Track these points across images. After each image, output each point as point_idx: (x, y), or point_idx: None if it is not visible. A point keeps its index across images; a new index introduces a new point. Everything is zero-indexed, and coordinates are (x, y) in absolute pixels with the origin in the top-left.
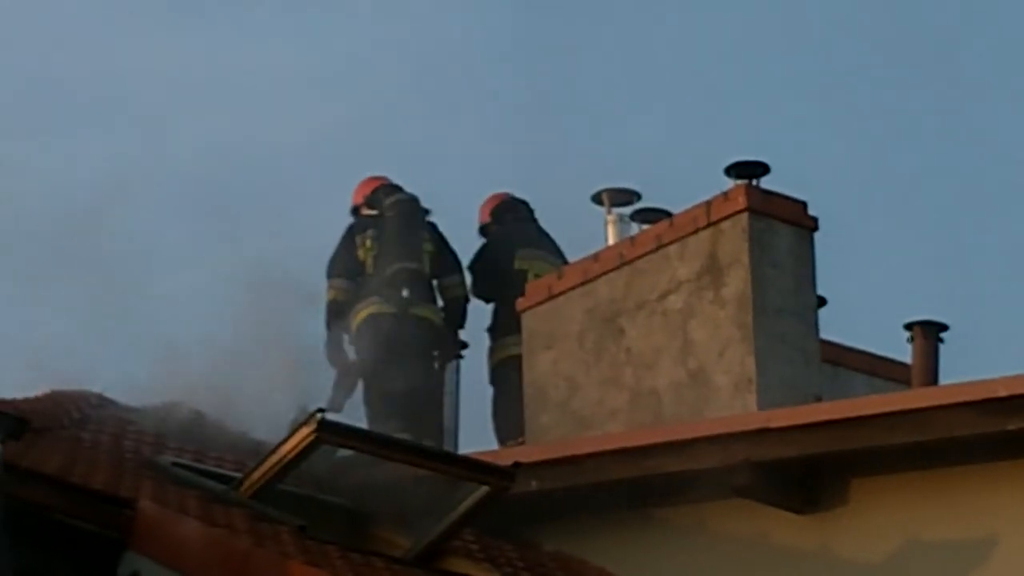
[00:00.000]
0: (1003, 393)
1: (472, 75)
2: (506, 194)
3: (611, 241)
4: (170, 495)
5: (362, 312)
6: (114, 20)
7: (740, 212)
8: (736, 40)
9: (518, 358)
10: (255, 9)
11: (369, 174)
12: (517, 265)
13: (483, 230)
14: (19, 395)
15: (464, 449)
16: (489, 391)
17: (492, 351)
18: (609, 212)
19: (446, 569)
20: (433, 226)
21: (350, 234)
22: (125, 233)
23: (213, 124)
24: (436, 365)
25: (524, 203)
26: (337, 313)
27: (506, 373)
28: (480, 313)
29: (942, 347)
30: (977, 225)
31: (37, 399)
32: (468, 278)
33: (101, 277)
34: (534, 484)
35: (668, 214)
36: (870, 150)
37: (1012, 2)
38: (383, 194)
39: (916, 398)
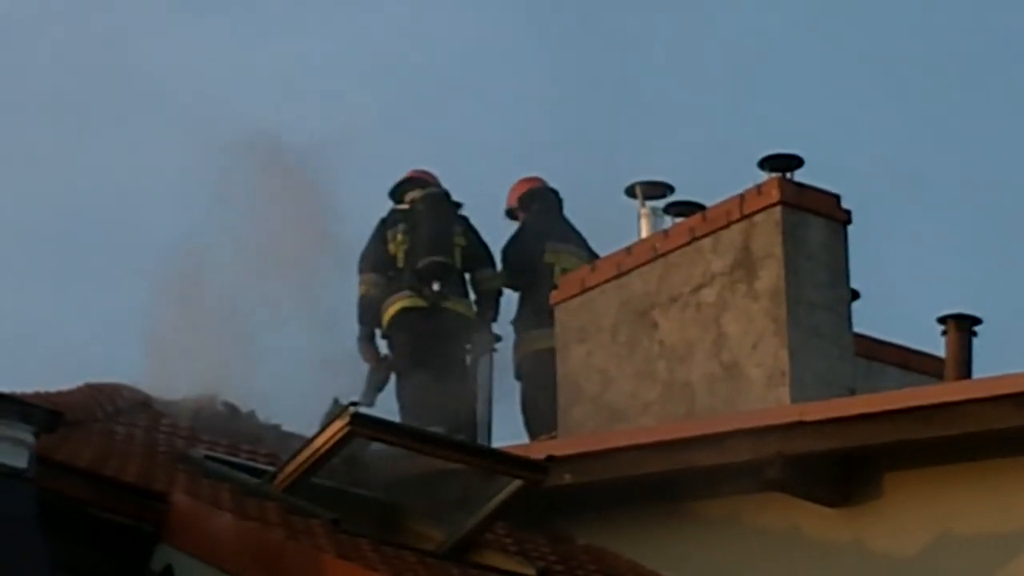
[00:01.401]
0: None
1: (506, 68)
2: (537, 180)
3: (644, 234)
4: (203, 488)
5: (393, 306)
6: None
7: (773, 205)
8: (771, 34)
9: (545, 351)
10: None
11: (412, 169)
12: (546, 259)
13: (509, 213)
14: (53, 389)
15: (497, 443)
16: (514, 384)
17: (518, 344)
18: (642, 205)
19: (479, 562)
20: (465, 220)
21: (381, 228)
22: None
23: (261, 113)
24: (469, 358)
25: (554, 192)
26: (368, 308)
27: (534, 366)
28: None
29: (976, 341)
30: (1012, 219)
31: (71, 392)
32: (500, 263)
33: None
34: (567, 478)
35: (701, 207)
36: (904, 143)
37: None
38: (414, 188)
39: (950, 392)
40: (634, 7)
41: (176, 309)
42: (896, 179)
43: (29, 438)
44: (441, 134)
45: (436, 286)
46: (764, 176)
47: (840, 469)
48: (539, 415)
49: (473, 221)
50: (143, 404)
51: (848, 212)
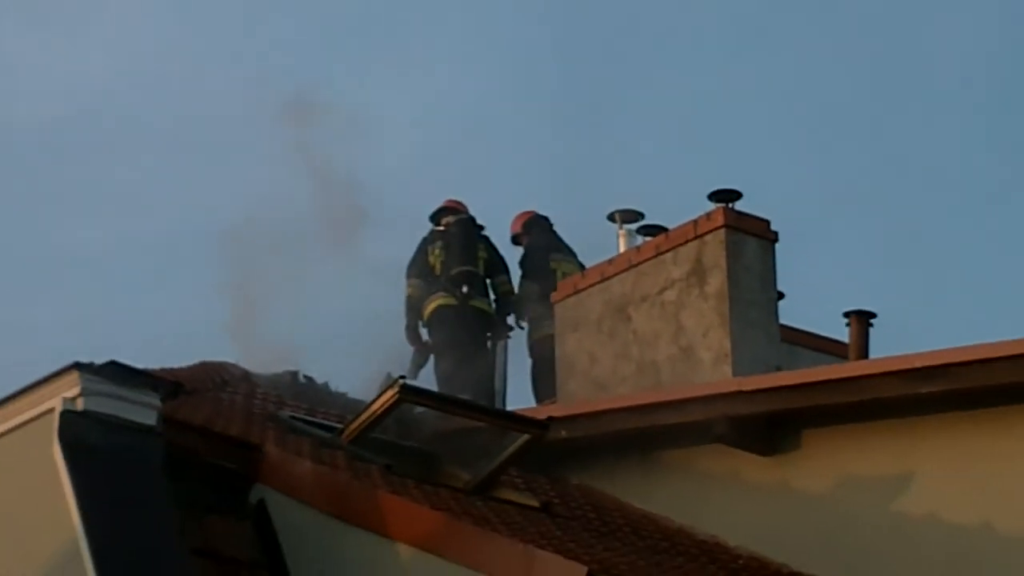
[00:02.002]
0: (918, 364)
1: (516, 123)
2: (531, 212)
3: (621, 249)
4: (288, 441)
5: (432, 304)
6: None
7: (719, 228)
8: (717, 94)
9: (549, 337)
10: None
11: (447, 199)
12: (551, 267)
13: (514, 239)
14: (175, 365)
15: (510, 407)
16: (527, 361)
17: (530, 332)
18: (620, 228)
19: (496, 497)
20: (486, 238)
21: (423, 245)
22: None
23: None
24: (489, 344)
25: (545, 217)
26: (413, 305)
27: (541, 349)
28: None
29: (872, 331)
30: (901, 238)
31: (189, 368)
32: (519, 270)
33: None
34: (563, 433)
35: (665, 229)
36: (820, 179)
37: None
38: (448, 214)
39: (851, 369)
40: (612, 79)
41: (246, 299)
42: (812, 207)
43: (157, 403)
44: (467, 172)
45: (465, 289)
46: (712, 206)
47: (769, 427)
48: (544, 386)
49: (493, 240)
50: (243, 377)
51: (776, 233)
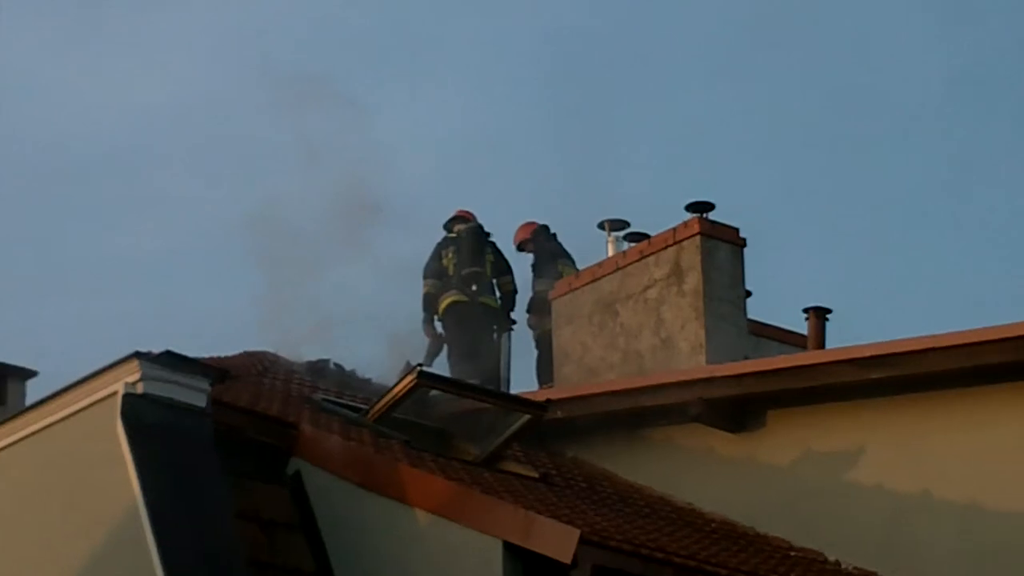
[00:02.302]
0: (868, 354)
1: (521, 142)
2: (534, 223)
3: (610, 253)
4: (321, 420)
5: (445, 301)
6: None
7: (695, 235)
8: (696, 116)
9: (551, 331)
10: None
11: (458, 209)
12: (558, 270)
13: (520, 247)
14: (222, 354)
15: (514, 390)
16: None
17: (535, 326)
18: (609, 235)
19: (501, 469)
20: (493, 244)
21: (438, 249)
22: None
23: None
24: (495, 336)
25: (546, 227)
26: (429, 302)
27: (545, 342)
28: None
29: (828, 324)
30: (856, 243)
31: (233, 357)
32: (531, 275)
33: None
34: (559, 413)
35: (647, 236)
36: (785, 192)
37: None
38: (460, 222)
39: (810, 358)
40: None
41: (277, 278)
42: (777, 217)
43: (206, 387)
44: (477, 185)
45: (474, 287)
46: (689, 216)
47: (738, 408)
48: (545, 372)
49: (498, 245)
50: (281, 364)
51: (744, 239)
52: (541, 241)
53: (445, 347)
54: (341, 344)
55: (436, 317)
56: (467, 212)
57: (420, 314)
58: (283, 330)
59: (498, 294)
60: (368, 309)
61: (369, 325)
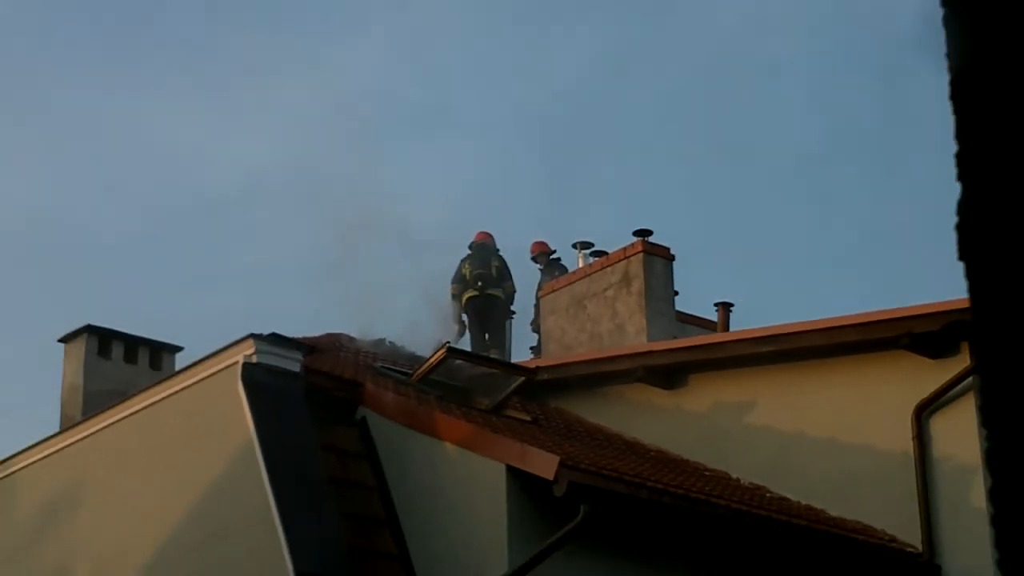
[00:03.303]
0: (759, 335)
1: (517, 184)
2: (544, 242)
3: (580, 265)
4: (380, 381)
5: (465, 296)
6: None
7: (639, 252)
8: (644, 170)
9: None
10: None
11: (478, 231)
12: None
13: (534, 259)
14: (310, 335)
15: (514, 360)
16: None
17: (535, 316)
18: (580, 252)
19: (505, 415)
20: (499, 255)
21: (461, 262)
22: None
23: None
24: (501, 321)
25: (548, 249)
26: (455, 299)
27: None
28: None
29: (732, 314)
30: (753, 255)
31: (318, 337)
32: (539, 280)
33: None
34: (546, 376)
35: (606, 253)
36: (702, 222)
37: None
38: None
39: (719, 337)
40: (579, 163)
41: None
42: (697, 238)
43: (300, 358)
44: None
45: (480, 284)
46: (635, 239)
47: (670, 372)
48: (539, 349)
49: (503, 255)
50: (353, 342)
51: (674, 255)
52: (549, 256)
53: (466, 330)
54: (395, 325)
55: (461, 310)
56: (484, 233)
57: (450, 307)
58: (357, 319)
59: (501, 290)
60: (415, 303)
61: (415, 313)
